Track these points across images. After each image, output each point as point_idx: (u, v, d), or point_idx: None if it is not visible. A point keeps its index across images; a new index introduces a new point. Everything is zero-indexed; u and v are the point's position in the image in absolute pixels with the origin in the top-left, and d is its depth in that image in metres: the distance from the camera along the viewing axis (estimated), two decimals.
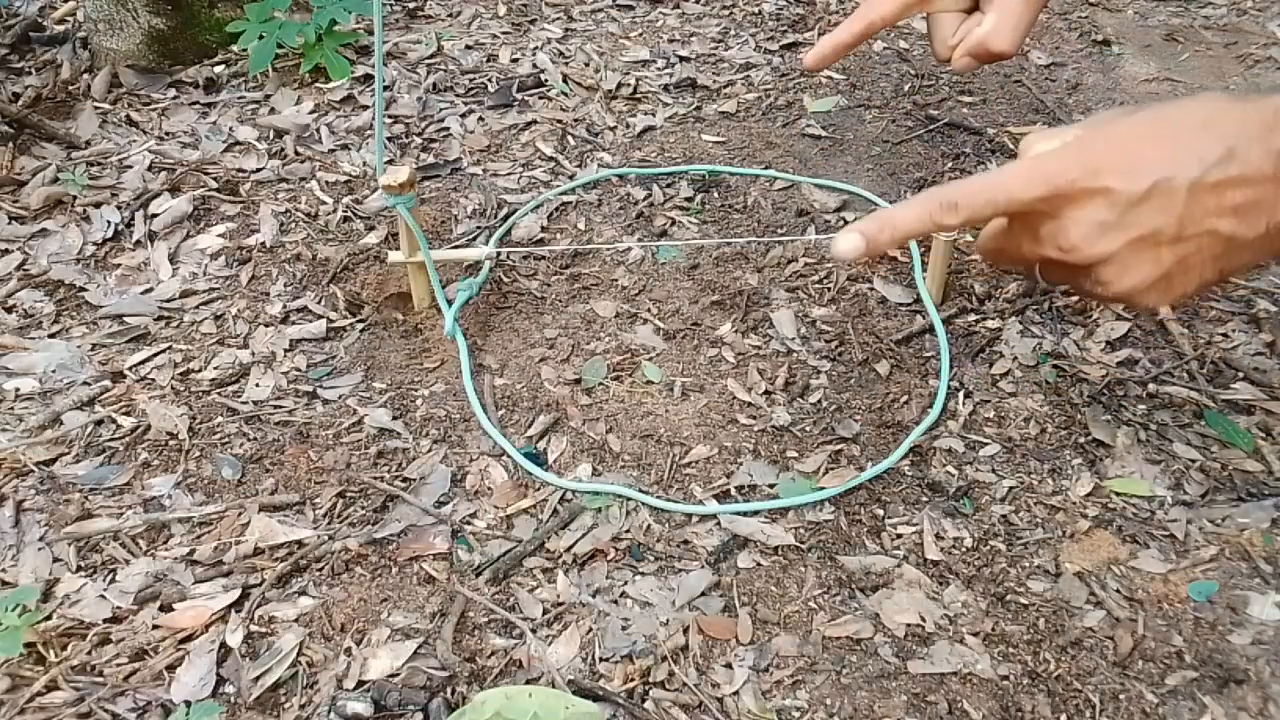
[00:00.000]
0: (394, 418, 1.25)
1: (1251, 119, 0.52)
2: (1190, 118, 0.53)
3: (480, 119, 1.92)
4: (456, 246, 1.56)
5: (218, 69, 2.05)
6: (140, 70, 2.01)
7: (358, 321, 1.42)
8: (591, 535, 1.10)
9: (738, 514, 1.12)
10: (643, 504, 1.13)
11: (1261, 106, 0.52)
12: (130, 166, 1.74)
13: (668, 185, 1.71)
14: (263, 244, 1.56)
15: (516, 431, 1.24)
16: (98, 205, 1.64)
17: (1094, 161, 0.52)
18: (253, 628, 1.01)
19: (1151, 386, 1.27)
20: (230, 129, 1.86)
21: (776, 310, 1.42)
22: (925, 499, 1.14)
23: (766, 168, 1.74)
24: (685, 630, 1.00)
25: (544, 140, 1.84)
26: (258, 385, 1.30)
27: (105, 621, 1.01)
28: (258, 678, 0.96)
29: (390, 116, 1.89)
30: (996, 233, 0.61)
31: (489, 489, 1.16)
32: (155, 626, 1.01)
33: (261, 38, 1.95)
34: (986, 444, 1.20)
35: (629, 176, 1.74)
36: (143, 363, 1.34)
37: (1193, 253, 0.52)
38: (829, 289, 1.46)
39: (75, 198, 1.65)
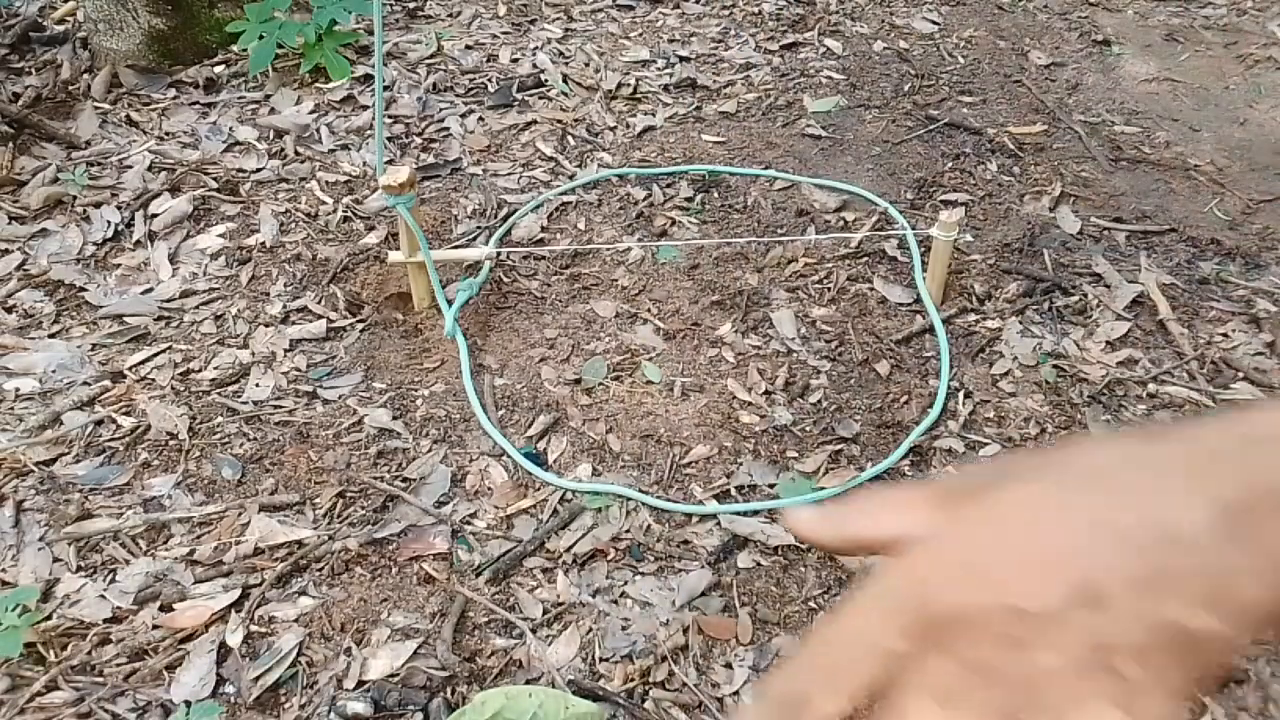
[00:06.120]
0: (394, 418, 1.25)
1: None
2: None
3: (480, 119, 1.92)
4: (456, 246, 1.56)
5: (218, 69, 2.05)
6: (140, 70, 2.01)
7: (358, 321, 1.42)
8: (591, 535, 1.10)
9: (738, 514, 1.12)
10: (643, 504, 1.13)
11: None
12: (130, 166, 1.74)
13: (668, 185, 1.71)
14: (263, 244, 1.56)
15: (516, 431, 1.24)
16: (98, 205, 1.64)
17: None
18: (253, 628, 1.01)
19: (1151, 386, 1.27)
20: (230, 129, 1.86)
21: (776, 310, 1.42)
22: None
23: (766, 168, 1.74)
24: (685, 630, 1.00)
25: (544, 140, 1.84)
26: (258, 385, 1.30)
27: (105, 621, 1.01)
28: (258, 678, 0.96)
29: (390, 116, 1.89)
30: None
31: (489, 489, 1.16)
32: (155, 626, 1.01)
33: (261, 38, 1.95)
34: (986, 444, 1.20)
35: (629, 176, 1.74)
36: (143, 363, 1.34)
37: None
38: (829, 289, 1.46)
39: (75, 198, 1.65)
